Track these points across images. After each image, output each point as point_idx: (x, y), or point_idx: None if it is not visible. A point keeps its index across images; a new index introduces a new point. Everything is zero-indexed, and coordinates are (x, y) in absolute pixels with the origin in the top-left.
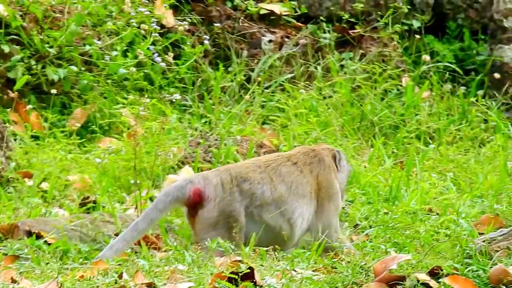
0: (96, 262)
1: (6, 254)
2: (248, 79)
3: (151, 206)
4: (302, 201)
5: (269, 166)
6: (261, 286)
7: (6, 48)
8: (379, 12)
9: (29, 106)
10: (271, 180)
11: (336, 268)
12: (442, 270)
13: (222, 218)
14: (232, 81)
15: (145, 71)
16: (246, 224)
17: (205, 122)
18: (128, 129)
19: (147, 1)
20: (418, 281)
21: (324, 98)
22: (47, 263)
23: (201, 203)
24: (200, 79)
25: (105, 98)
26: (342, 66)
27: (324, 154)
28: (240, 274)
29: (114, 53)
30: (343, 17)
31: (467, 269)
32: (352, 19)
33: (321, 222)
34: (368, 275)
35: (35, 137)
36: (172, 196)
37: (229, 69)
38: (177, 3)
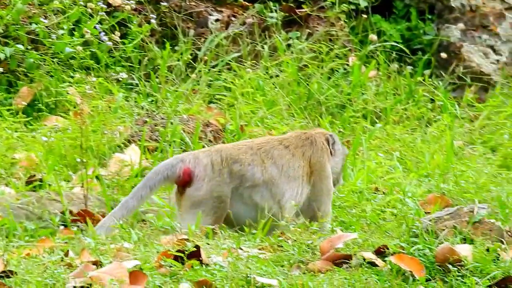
0: (42, 240)
1: None
2: (195, 58)
3: (141, 184)
4: (293, 184)
5: (261, 149)
6: (207, 264)
7: None
8: None
9: None
10: (262, 162)
11: (282, 247)
12: (388, 249)
13: (209, 198)
14: (178, 60)
15: (92, 50)
16: (236, 205)
17: (152, 101)
18: (75, 107)
19: None
20: (364, 259)
21: (271, 77)
22: None
23: (190, 182)
24: (146, 58)
25: (51, 76)
26: (289, 46)
27: (317, 137)
28: (186, 253)
29: (61, 31)
30: None
31: (413, 248)
32: None
33: (313, 205)
34: (315, 254)
35: None
36: (162, 175)
37: (176, 48)
38: None
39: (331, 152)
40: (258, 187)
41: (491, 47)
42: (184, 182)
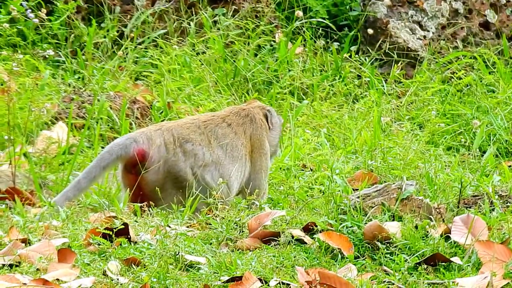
0: None
1: None
2: (121, 35)
3: (94, 163)
4: (237, 163)
5: (207, 127)
6: (136, 242)
7: None
8: None
9: None
10: (209, 142)
11: (210, 224)
12: (316, 226)
13: (169, 180)
14: (105, 37)
15: (18, 27)
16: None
17: (78, 78)
18: (2, 84)
19: None
20: (293, 237)
21: (198, 54)
22: None
23: (144, 164)
24: (73, 35)
25: None
26: (215, 22)
27: (255, 112)
28: (114, 230)
29: None
30: None
31: (341, 225)
32: None
33: (253, 183)
34: (243, 231)
35: None
36: (116, 155)
37: (102, 25)
38: None
39: (269, 127)
40: (208, 166)
41: (418, 23)
42: (137, 162)
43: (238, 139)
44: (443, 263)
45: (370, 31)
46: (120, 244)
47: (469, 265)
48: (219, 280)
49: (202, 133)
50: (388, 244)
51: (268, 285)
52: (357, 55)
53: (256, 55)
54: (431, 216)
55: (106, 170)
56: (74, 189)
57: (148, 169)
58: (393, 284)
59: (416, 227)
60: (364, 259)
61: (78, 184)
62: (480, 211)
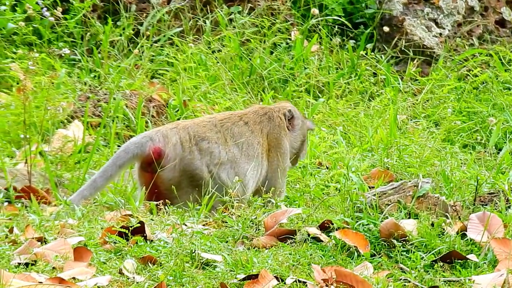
0: None
1: None
2: (137, 34)
3: (110, 162)
4: (252, 162)
5: (224, 126)
6: (152, 240)
7: None
8: None
9: None
10: (225, 140)
11: (226, 223)
12: (332, 224)
13: (185, 178)
14: (121, 35)
15: (34, 25)
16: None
17: (94, 76)
18: (18, 83)
19: None
20: (309, 235)
21: (213, 52)
22: None
23: (160, 162)
24: (89, 33)
25: None
26: (231, 20)
27: (275, 112)
28: (130, 229)
29: (3, 7)
30: None
31: (357, 223)
32: None
33: (269, 181)
34: (259, 229)
35: None
36: (132, 153)
37: (118, 23)
38: None
39: (288, 127)
40: (223, 165)
41: (434, 20)
42: (152, 160)
43: (255, 137)
44: (459, 261)
45: (386, 28)
46: (136, 243)
47: (485, 263)
48: (235, 278)
49: (219, 132)
50: (404, 242)
51: (284, 283)
52: (373, 53)
53: (272, 53)
54: (447, 214)
55: (122, 168)
56: (90, 188)
57: (164, 167)
58: (410, 281)
59: (432, 224)
60: (380, 257)
61: (94, 183)
62: (496, 209)
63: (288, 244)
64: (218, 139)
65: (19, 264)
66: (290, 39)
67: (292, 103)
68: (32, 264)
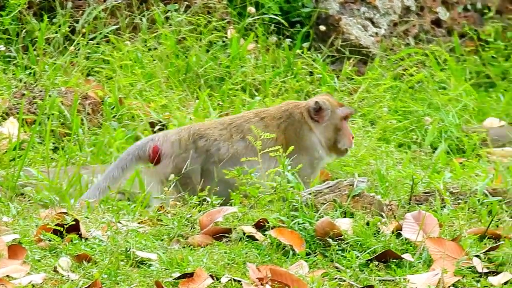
0: None
1: None
2: (73, 31)
3: (113, 165)
4: (262, 156)
5: (232, 123)
6: (87, 238)
7: None
8: None
9: None
10: (230, 136)
11: (162, 221)
12: (268, 223)
13: (175, 174)
14: (56, 32)
15: None
16: (207, 182)
17: (30, 73)
18: None
19: None
20: (244, 233)
21: (149, 50)
22: None
23: (159, 160)
24: (24, 30)
25: None
26: (167, 18)
27: (298, 106)
28: (65, 226)
29: None
30: None
31: (293, 222)
32: None
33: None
34: (194, 228)
35: None
36: (133, 155)
37: (54, 20)
38: None
39: (316, 120)
40: (223, 162)
41: (370, 19)
42: (154, 160)
43: (268, 132)
44: (395, 260)
45: (322, 27)
46: (71, 240)
47: (420, 262)
48: (170, 276)
49: (224, 129)
50: (339, 241)
51: (220, 281)
52: (309, 52)
53: (208, 51)
54: (382, 213)
55: (126, 171)
56: (94, 190)
57: (160, 163)
58: (345, 281)
59: (368, 223)
60: (315, 256)
61: (98, 185)
62: (431, 208)
63: (223, 243)
64: (220, 136)
65: None
66: (226, 37)
67: (228, 101)
68: None
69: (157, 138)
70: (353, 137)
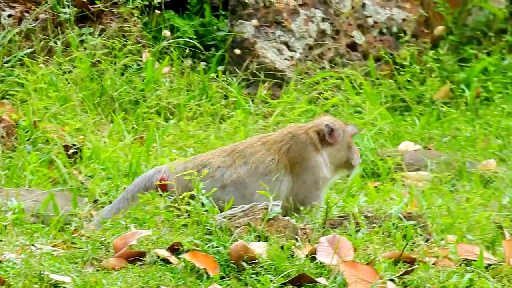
0: None
1: None
2: None
3: (120, 196)
4: (263, 180)
5: (235, 150)
6: (0, 261)
7: None
8: None
9: None
10: (233, 162)
11: (76, 244)
12: (182, 246)
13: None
14: None
15: None
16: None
17: None
18: None
19: None
20: (158, 256)
21: (64, 73)
22: None
23: (166, 191)
24: None
25: None
26: (82, 41)
27: (303, 129)
28: None
29: None
30: None
31: (207, 245)
32: None
33: (297, 197)
34: (108, 251)
35: None
36: (139, 187)
37: None
38: None
39: (330, 142)
40: (226, 187)
41: (285, 43)
42: (161, 191)
43: (269, 155)
44: (309, 284)
45: (237, 51)
46: None
47: (334, 286)
48: None
49: (227, 156)
50: (254, 265)
51: None
52: (224, 75)
53: (123, 74)
54: (297, 237)
55: (133, 201)
56: (97, 224)
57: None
58: None
59: (282, 247)
60: (229, 279)
61: (101, 218)
62: (346, 232)
63: (137, 266)
64: (223, 162)
65: None
66: (141, 60)
67: (142, 125)
68: None
69: (163, 169)
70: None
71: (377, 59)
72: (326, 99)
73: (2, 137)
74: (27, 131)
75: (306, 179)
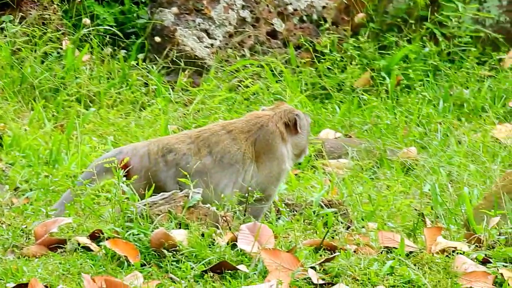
0: None
1: None
2: None
3: (81, 177)
4: (229, 170)
5: (200, 137)
6: None
7: None
8: None
9: None
10: (198, 151)
11: None
12: (103, 234)
13: (148, 189)
14: None
15: None
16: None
17: None
18: None
19: None
20: (79, 244)
21: None
22: None
23: (129, 174)
24: None
25: None
26: (2, 29)
27: (272, 120)
28: None
29: None
30: None
31: (128, 233)
32: None
33: (261, 187)
34: (29, 238)
35: None
36: (100, 168)
37: None
38: None
39: (296, 131)
40: (192, 177)
41: (205, 31)
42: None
43: (235, 144)
44: (230, 271)
45: (157, 39)
46: None
47: (255, 273)
48: (5, 287)
49: (192, 143)
50: (174, 252)
51: None
52: (144, 63)
53: (43, 62)
54: (217, 224)
55: (94, 182)
56: (60, 205)
57: (131, 177)
58: None
59: (203, 235)
60: (150, 267)
61: (65, 198)
62: (266, 219)
63: (58, 253)
64: (189, 150)
65: None
66: (61, 48)
67: (63, 113)
68: None
69: (125, 150)
70: None
71: (298, 47)
72: (247, 87)
73: None
74: None
75: (271, 170)
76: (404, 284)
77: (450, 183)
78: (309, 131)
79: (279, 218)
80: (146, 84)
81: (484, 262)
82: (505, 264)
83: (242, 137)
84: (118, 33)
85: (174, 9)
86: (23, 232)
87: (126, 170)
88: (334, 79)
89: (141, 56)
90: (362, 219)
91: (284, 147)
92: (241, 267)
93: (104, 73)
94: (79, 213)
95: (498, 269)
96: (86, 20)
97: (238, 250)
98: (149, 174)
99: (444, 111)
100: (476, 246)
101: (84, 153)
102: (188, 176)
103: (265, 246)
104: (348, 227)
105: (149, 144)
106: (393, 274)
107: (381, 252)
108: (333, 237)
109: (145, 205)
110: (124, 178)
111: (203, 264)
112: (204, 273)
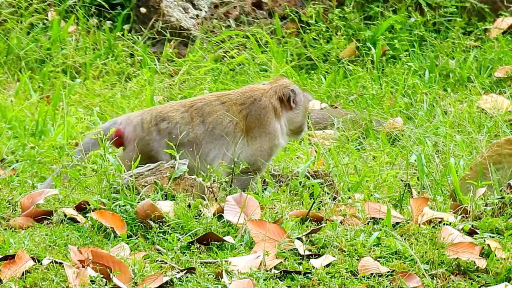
0: None
1: None
2: None
3: (77, 149)
4: (218, 142)
5: (193, 106)
6: None
7: None
8: None
9: None
10: (191, 120)
11: None
12: (89, 205)
13: (142, 158)
14: None
15: None
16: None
17: None
18: None
19: None
20: (66, 215)
21: None
22: None
23: (123, 144)
24: None
25: None
26: None
27: (266, 94)
28: None
29: None
30: None
31: (114, 204)
32: None
33: (250, 160)
34: (16, 210)
35: None
36: (95, 139)
37: None
38: None
39: (291, 106)
40: (183, 146)
41: (191, 1)
42: (118, 143)
43: (227, 116)
44: (216, 242)
45: (143, 9)
46: None
47: (242, 244)
48: None
49: (185, 112)
50: (160, 223)
51: (41, 263)
52: (130, 34)
53: (29, 33)
54: (204, 195)
55: (88, 153)
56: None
57: (125, 146)
58: (166, 263)
59: (189, 206)
60: (137, 238)
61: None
62: (253, 191)
63: (44, 225)
64: (182, 118)
65: None
66: (47, 19)
67: (49, 84)
68: None
69: (119, 121)
70: None
71: (283, 17)
72: (232, 57)
73: None
74: None
75: (262, 144)
76: (390, 255)
77: (436, 154)
78: (308, 107)
79: (265, 189)
80: (131, 55)
81: (471, 233)
82: (491, 235)
83: (235, 109)
84: (104, 4)
85: None
86: (9, 204)
87: (118, 140)
88: (319, 50)
89: (126, 27)
90: (349, 190)
91: (277, 122)
92: (228, 238)
93: (90, 44)
94: (65, 184)
95: (484, 240)
96: None
97: (224, 221)
98: (142, 143)
99: (430, 82)
100: (463, 216)
101: (70, 124)
102: (175, 147)
103: (252, 217)
104: (335, 198)
105: (143, 113)
106: (379, 245)
107: (368, 223)
108: (319, 208)
109: (131, 176)
110: (117, 149)
111: (189, 235)
112: (190, 244)
